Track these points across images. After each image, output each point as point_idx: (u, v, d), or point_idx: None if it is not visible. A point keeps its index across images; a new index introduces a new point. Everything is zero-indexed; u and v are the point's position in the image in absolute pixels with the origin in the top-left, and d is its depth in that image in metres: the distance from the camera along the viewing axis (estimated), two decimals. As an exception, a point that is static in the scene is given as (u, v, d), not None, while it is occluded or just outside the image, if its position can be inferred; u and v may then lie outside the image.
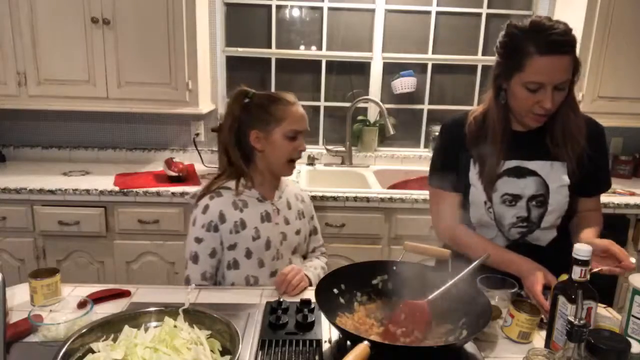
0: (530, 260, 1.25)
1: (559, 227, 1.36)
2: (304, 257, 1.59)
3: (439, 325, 1.08)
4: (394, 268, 1.21)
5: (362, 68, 2.93)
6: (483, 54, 2.93)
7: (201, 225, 1.40)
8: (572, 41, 1.17)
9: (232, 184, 1.44)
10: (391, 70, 2.90)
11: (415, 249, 1.25)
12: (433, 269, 1.19)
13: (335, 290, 1.16)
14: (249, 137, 1.41)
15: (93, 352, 0.95)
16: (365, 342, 0.88)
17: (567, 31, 1.16)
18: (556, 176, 1.30)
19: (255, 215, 1.43)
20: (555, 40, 1.14)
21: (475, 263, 1.13)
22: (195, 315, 1.05)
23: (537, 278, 1.17)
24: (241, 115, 1.41)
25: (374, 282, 1.21)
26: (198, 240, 1.40)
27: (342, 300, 1.16)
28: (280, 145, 1.40)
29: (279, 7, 2.81)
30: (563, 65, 1.16)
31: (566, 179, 1.30)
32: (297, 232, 1.51)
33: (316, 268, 1.51)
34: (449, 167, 1.38)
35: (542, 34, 1.15)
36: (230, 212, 1.41)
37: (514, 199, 1.31)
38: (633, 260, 1.11)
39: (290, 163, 1.44)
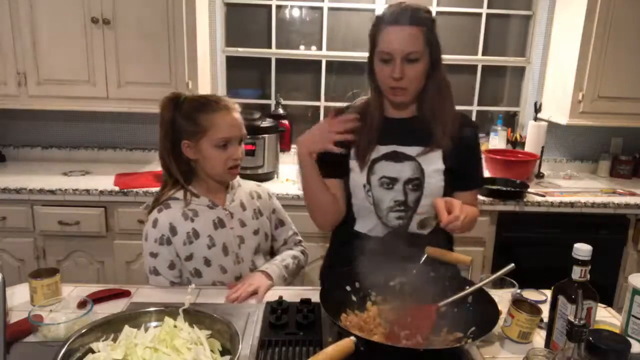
0: None
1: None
2: (273, 253, 1.56)
3: (449, 333, 1.07)
4: (414, 272, 1.18)
5: (362, 68, 2.92)
6: (483, 54, 2.93)
7: (153, 240, 1.37)
8: (417, 15, 1.23)
9: (180, 194, 1.38)
10: (391, 70, 2.90)
11: (436, 254, 1.23)
12: (454, 274, 1.17)
13: (348, 288, 1.16)
14: (182, 146, 1.36)
15: (93, 352, 0.95)
16: (351, 338, 0.87)
17: (415, 8, 1.24)
18: (431, 161, 1.33)
19: (207, 223, 1.39)
20: (398, 12, 1.23)
21: (498, 273, 1.12)
22: (195, 315, 1.05)
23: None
24: (172, 122, 1.35)
25: (392, 283, 1.19)
26: (153, 255, 1.38)
27: (354, 298, 1.16)
28: (210, 155, 1.34)
29: (279, 7, 2.81)
30: (408, 36, 1.22)
31: (441, 164, 1.33)
32: (256, 232, 1.47)
33: (283, 260, 1.48)
34: (327, 156, 1.42)
35: (389, 10, 1.26)
36: (180, 224, 1.36)
37: (391, 181, 1.33)
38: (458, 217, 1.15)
39: (231, 170, 1.37)
